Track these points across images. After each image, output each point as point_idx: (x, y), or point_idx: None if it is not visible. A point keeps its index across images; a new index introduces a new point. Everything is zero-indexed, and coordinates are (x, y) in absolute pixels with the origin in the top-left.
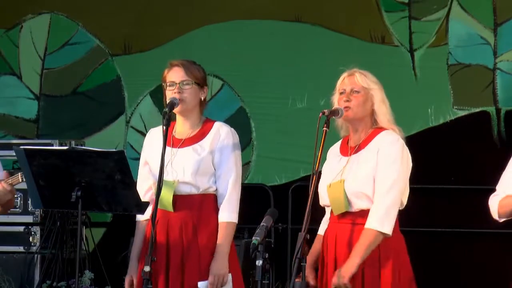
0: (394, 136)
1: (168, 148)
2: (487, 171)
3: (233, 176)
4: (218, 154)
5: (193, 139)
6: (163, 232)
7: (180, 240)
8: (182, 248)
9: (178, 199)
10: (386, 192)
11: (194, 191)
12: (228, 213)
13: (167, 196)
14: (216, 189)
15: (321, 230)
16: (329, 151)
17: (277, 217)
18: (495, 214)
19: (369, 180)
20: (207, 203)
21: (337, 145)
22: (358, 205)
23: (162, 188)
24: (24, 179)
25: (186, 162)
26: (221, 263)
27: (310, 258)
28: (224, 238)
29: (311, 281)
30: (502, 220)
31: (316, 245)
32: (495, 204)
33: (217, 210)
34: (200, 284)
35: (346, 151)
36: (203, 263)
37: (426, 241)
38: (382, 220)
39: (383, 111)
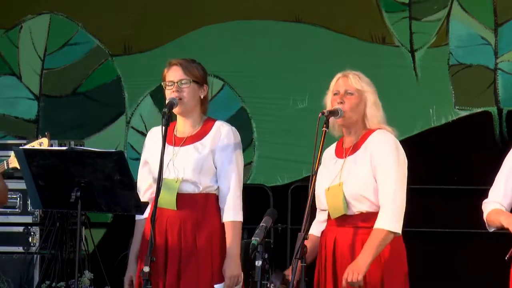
0: (387, 135)
1: (170, 147)
2: (489, 171)
3: (235, 175)
4: (218, 153)
5: (194, 138)
6: (162, 231)
7: (178, 240)
8: (180, 247)
9: (179, 198)
10: (393, 192)
11: (194, 190)
12: (234, 212)
13: (169, 194)
14: (217, 189)
15: (315, 231)
16: (324, 153)
17: (277, 217)
18: (486, 223)
19: (368, 182)
20: (208, 202)
21: (333, 147)
22: (357, 208)
23: (163, 187)
24: (8, 166)
25: (187, 160)
26: (235, 265)
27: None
28: (233, 239)
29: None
30: (491, 230)
31: (308, 245)
32: (485, 214)
33: (218, 210)
34: (216, 286)
35: (341, 153)
36: (201, 263)
37: (428, 242)
38: (392, 219)
39: (375, 114)
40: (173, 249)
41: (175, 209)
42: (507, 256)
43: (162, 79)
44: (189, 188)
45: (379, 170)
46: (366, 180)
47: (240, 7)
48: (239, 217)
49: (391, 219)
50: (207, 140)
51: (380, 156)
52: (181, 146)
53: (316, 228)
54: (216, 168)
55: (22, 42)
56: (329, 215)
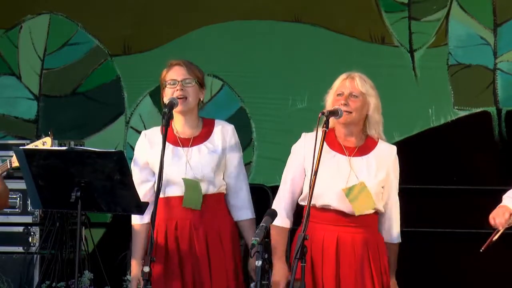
0: (394, 150)
1: (178, 148)
2: (488, 171)
3: (244, 173)
4: (229, 152)
5: (200, 138)
6: (185, 233)
7: (204, 241)
8: (207, 249)
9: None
10: (397, 206)
11: (213, 190)
12: (251, 210)
13: (191, 195)
14: (227, 187)
15: (283, 223)
16: (305, 140)
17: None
18: None
19: (380, 192)
20: (222, 201)
21: (312, 138)
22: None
23: (185, 188)
24: (11, 166)
25: (204, 160)
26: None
27: (280, 253)
28: (251, 235)
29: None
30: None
31: (278, 238)
32: None
33: (227, 208)
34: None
35: (339, 148)
36: (228, 263)
37: (427, 242)
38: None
39: (375, 119)
40: (201, 251)
41: (199, 209)
42: (482, 248)
43: (161, 80)
44: (208, 188)
45: (392, 185)
46: (380, 190)
47: (240, 7)
48: (254, 214)
49: (399, 232)
50: (217, 139)
51: (395, 172)
52: (190, 146)
53: (283, 221)
54: (225, 166)
55: (22, 42)
56: (319, 211)
